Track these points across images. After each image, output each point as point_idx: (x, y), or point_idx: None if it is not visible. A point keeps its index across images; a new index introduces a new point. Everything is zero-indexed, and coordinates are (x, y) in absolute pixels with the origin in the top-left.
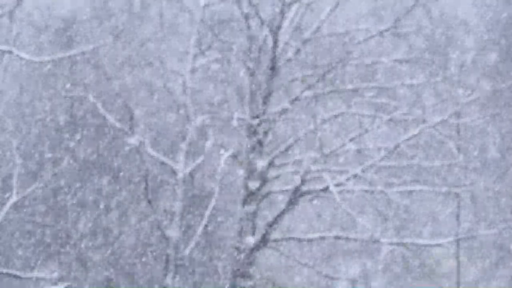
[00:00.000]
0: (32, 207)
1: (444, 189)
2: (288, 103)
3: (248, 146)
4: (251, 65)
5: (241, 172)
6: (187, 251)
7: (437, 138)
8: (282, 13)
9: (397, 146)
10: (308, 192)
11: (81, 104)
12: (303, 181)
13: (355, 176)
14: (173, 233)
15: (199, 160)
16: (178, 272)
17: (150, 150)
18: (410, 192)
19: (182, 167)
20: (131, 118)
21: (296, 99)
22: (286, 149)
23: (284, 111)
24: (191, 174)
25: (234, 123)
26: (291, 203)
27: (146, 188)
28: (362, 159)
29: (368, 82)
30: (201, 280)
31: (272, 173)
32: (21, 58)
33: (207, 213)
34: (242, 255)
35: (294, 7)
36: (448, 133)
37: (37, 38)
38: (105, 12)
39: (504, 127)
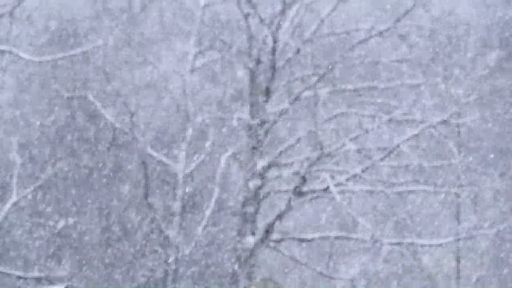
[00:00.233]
0: (32, 207)
1: (444, 189)
2: (288, 103)
3: (248, 146)
4: (251, 65)
5: (241, 172)
6: (187, 251)
7: (437, 138)
8: (282, 13)
9: (397, 146)
10: (308, 192)
11: (81, 104)
12: (303, 181)
13: (355, 176)
14: (173, 233)
15: (199, 160)
16: (178, 272)
17: (150, 150)
18: (410, 192)
19: (182, 167)
20: (131, 118)
21: (296, 99)
22: (286, 149)
23: (284, 111)
24: (191, 174)
25: (234, 123)
26: (291, 203)
27: (146, 188)
28: (362, 159)
29: (368, 82)
30: (201, 280)
31: (272, 173)
32: (21, 58)
33: (207, 213)
34: (242, 255)
35: (294, 7)
36: (448, 133)
37: (37, 38)
38: (105, 12)
39: (504, 127)
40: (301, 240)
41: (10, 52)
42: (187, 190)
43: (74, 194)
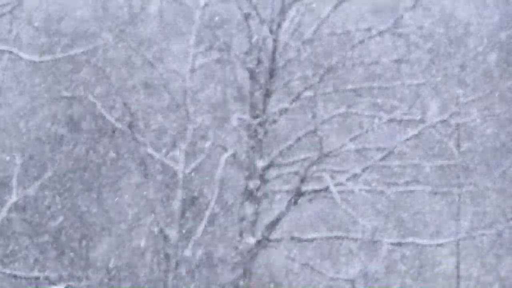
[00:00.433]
0: (32, 207)
1: (444, 189)
2: (288, 103)
3: (248, 146)
4: (251, 65)
5: (241, 172)
6: (187, 251)
7: (437, 138)
8: (282, 13)
9: (397, 146)
10: (308, 192)
11: (81, 104)
12: (303, 181)
13: (355, 176)
14: (173, 233)
15: (199, 160)
16: (178, 272)
17: (150, 150)
18: (410, 192)
19: (182, 167)
20: (131, 118)
21: (296, 99)
22: (286, 149)
23: (284, 111)
24: (191, 174)
25: (234, 123)
26: (291, 203)
27: (146, 188)
28: (362, 159)
29: (368, 82)
30: (201, 280)
31: (272, 173)
32: (21, 58)
33: (207, 213)
34: (242, 255)
35: (294, 7)
36: (448, 133)
37: (37, 38)
38: (105, 12)
39: (504, 127)
40: (301, 240)
41: (10, 52)
42: (187, 190)
43: (74, 194)
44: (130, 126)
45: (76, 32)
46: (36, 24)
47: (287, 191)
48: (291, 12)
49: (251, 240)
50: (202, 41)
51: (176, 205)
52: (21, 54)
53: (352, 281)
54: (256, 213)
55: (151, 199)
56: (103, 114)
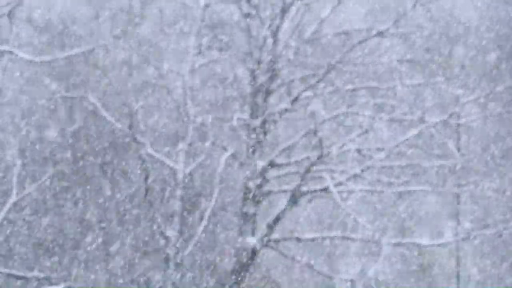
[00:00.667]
0: (32, 207)
1: (444, 189)
2: (288, 103)
3: (248, 146)
4: (251, 65)
5: (241, 172)
6: (187, 251)
7: (437, 138)
8: (282, 13)
9: (397, 146)
10: (308, 192)
11: (81, 104)
12: (303, 181)
13: (355, 176)
14: (173, 233)
15: (199, 160)
16: (178, 272)
17: (150, 150)
18: (410, 192)
19: (182, 167)
20: (131, 118)
21: (296, 99)
22: (286, 149)
23: (284, 111)
24: (191, 174)
25: (234, 123)
26: (291, 203)
27: (146, 188)
28: (362, 159)
29: (368, 82)
30: (201, 280)
31: (272, 173)
32: (21, 58)
33: (207, 213)
34: (242, 255)
35: (294, 7)
36: (448, 133)
37: (37, 38)
38: (105, 12)
39: (504, 127)
40: (301, 240)
41: (10, 52)
42: (187, 190)
43: (74, 194)
44: (130, 126)
45: (76, 32)
46: (36, 24)
47: (287, 191)
48: (291, 12)
49: (251, 240)
50: (202, 41)
51: (176, 205)
52: (21, 54)
53: (352, 281)
54: (256, 213)
55: (151, 199)
56: (103, 114)
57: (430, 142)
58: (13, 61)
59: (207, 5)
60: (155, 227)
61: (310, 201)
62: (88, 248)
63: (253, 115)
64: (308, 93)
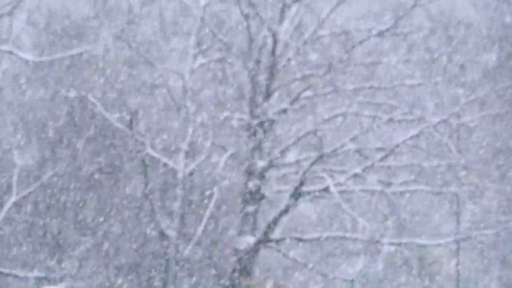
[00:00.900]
0: (32, 207)
1: (444, 189)
2: (288, 103)
3: (248, 146)
4: (251, 65)
5: (241, 172)
6: (187, 251)
7: (437, 138)
8: (282, 13)
9: (397, 146)
10: (308, 192)
11: (81, 105)
12: (303, 181)
13: (355, 176)
14: (173, 233)
15: (199, 160)
16: (178, 272)
17: (150, 150)
18: (410, 192)
19: (182, 167)
20: (131, 118)
21: (296, 99)
22: (286, 149)
23: (284, 111)
24: (191, 174)
25: (234, 123)
26: (291, 203)
27: (146, 188)
28: (362, 159)
29: (368, 82)
30: (201, 280)
31: (272, 173)
32: (21, 58)
33: (207, 213)
34: (242, 255)
35: (294, 7)
36: (448, 133)
37: (37, 38)
38: (105, 12)
39: (504, 127)
40: (301, 240)
41: (10, 52)
42: (187, 190)
43: (74, 194)
44: (130, 126)
45: (76, 32)
46: (36, 24)
47: (287, 191)
48: (291, 12)
49: (251, 240)
50: (202, 41)
51: (176, 205)
52: (21, 54)
53: (352, 281)
54: (256, 213)
55: (151, 199)
56: (103, 114)
57: (430, 142)
58: (13, 61)
59: (207, 5)
60: (155, 227)
61: (310, 201)
62: (88, 248)
63: (253, 115)
64: (308, 93)
